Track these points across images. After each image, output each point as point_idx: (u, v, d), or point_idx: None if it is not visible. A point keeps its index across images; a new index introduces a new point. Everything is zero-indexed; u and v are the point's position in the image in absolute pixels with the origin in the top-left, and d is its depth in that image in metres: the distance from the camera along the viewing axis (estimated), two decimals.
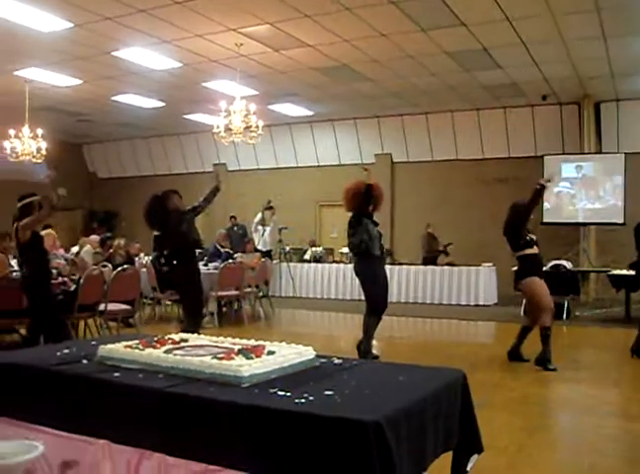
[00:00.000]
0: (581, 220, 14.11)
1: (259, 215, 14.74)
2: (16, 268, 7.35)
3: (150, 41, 10.43)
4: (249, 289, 11.40)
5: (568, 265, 11.74)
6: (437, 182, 16.26)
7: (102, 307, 7.82)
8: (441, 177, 16.21)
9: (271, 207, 14.63)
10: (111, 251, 10.31)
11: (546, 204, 14.15)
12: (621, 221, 13.34)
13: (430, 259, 14.32)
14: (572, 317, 11.18)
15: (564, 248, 13.67)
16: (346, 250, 12.56)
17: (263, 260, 12.35)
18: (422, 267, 13.86)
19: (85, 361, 2.93)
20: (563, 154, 14.67)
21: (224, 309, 11.52)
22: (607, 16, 9.11)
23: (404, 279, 13.88)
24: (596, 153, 14.33)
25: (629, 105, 14.14)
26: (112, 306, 7.97)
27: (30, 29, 9.60)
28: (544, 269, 11.16)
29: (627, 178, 13.51)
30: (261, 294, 12.27)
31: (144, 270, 10.33)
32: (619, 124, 14.37)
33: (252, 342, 3.07)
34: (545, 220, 14.00)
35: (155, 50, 10.91)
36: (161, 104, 14.96)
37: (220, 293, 10.35)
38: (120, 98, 14.34)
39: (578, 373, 6.96)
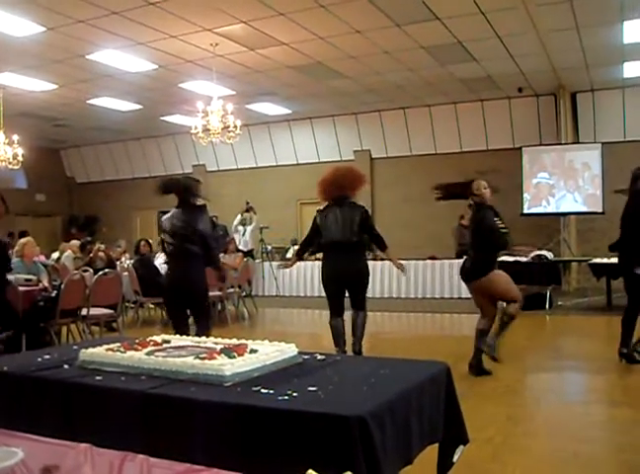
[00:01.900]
0: (561, 210, 14.19)
1: (238, 217, 14.78)
2: None
3: (124, 44, 10.36)
4: (232, 290, 11.36)
5: (549, 255, 11.80)
6: (416, 177, 16.27)
7: (84, 312, 7.76)
8: (421, 171, 16.21)
9: (250, 209, 14.65)
10: (91, 255, 10.23)
11: (526, 195, 14.23)
12: (600, 210, 13.44)
13: (463, 252, 13.65)
14: (554, 306, 11.25)
15: (545, 238, 13.77)
16: None
17: (245, 260, 12.32)
18: (403, 262, 13.74)
19: (66, 366, 2.90)
20: (540, 145, 14.76)
21: None
22: (580, 7, 9.18)
23: (386, 275, 13.89)
24: (573, 143, 14.43)
25: (604, 94, 14.26)
26: (94, 311, 7.91)
27: (2, 34, 9.51)
28: (526, 260, 11.33)
29: (605, 167, 13.61)
30: (244, 294, 12.24)
31: (126, 273, 10.28)
32: (595, 114, 14.48)
33: (234, 341, 3.07)
34: (525, 211, 14.10)
35: (130, 52, 10.85)
36: (138, 106, 14.88)
37: None
38: (96, 101, 14.23)
39: (562, 362, 7.00)
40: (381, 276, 13.84)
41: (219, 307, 11.40)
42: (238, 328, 10.30)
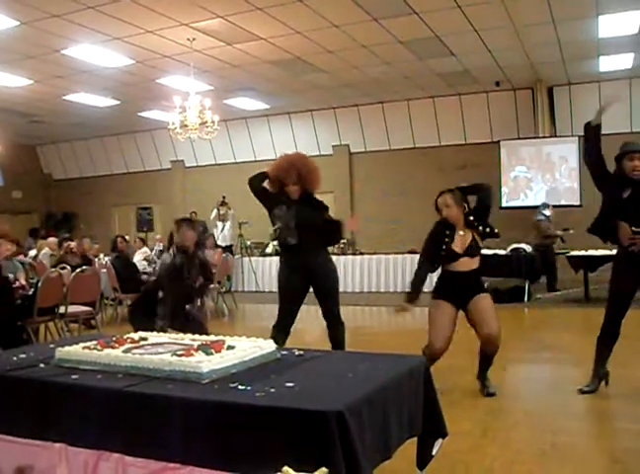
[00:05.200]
0: (538, 204, 14.27)
1: (214, 211, 14.81)
2: None
3: (100, 39, 10.26)
4: (211, 286, 11.30)
5: (527, 248, 11.85)
6: (395, 171, 16.31)
7: (62, 310, 7.70)
8: (400, 166, 16.26)
9: (225, 203, 14.64)
10: (61, 253, 10.14)
11: (504, 189, 14.33)
12: (578, 203, 13.55)
13: (543, 246, 12.20)
14: (532, 299, 11.31)
15: (523, 232, 13.82)
16: None
17: (224, 255, 12.28)
18: (383, 256, 13.84)
19: (42, 365, 2.88)
20: (518, 139, 14.84)
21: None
22: (556, 1, 9.22)
23: (366, 269, 13.90)
24: (550, 137, 14.52)
25: (581, 88, 14.34)
26: (72, 308, 7.85)
27: None
28: (504, 253, 11.38)
29: (582, 160, 13.67)
30: (223, 290, 12.20)
31: (104, 270, 10.21)
32: (572, 108, 14.56)
33: (211, 337, 3.06)
34: (504, 205, 14.19)
35: (106, 48, 10.74)
36: (115, 102, 14.75)
37: None
38: (72, 97, 14.09)
39: (540, 354, 7.05)
40: (360, 270, 13.86)
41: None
42: (218, 324, 10.24)
